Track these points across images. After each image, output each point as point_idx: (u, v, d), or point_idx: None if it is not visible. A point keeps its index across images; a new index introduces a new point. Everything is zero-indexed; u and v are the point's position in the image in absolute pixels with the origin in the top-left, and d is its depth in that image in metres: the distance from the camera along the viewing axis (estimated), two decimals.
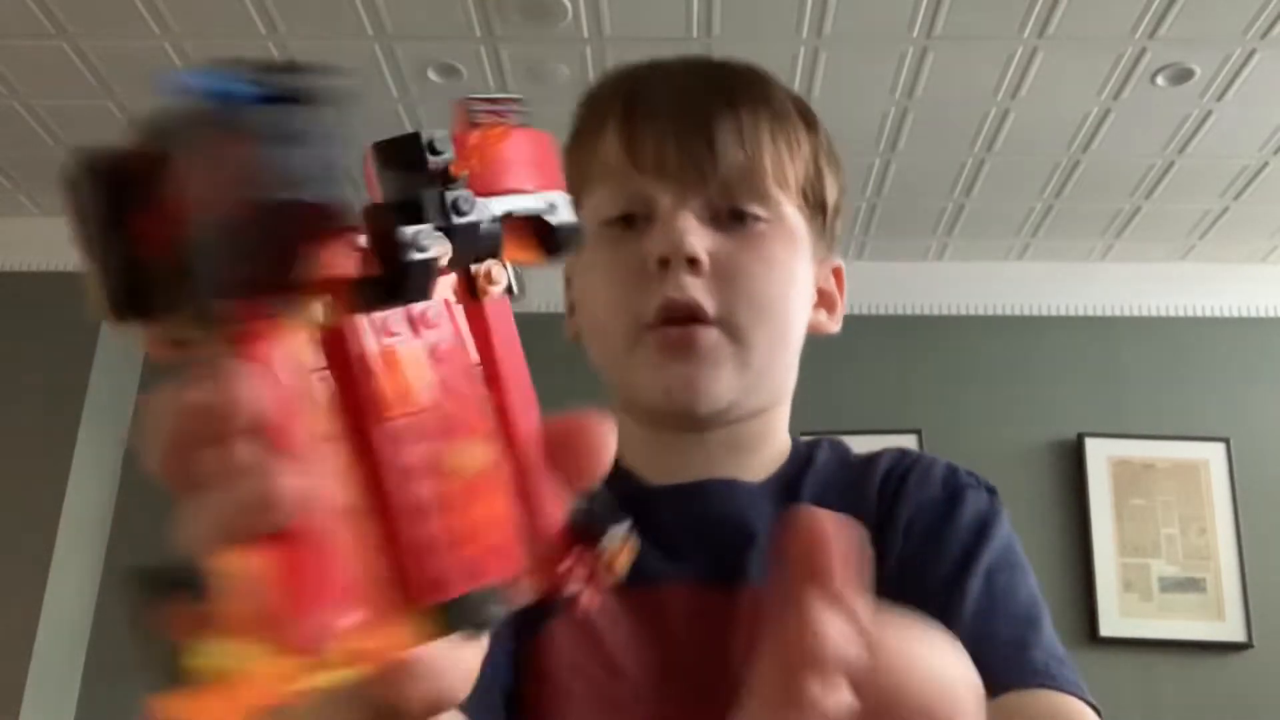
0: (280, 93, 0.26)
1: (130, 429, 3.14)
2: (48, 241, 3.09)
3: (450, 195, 0.29)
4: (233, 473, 0.26)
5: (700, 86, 0.71)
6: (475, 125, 0.30)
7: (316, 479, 0.27)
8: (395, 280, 0.28)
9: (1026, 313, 3.17)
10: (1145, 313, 3.15)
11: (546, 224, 0.31)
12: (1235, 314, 3.13)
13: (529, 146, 0.32)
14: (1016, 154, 2.71)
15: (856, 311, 3.17)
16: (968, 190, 2.87)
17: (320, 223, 0.26)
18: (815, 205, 0.72)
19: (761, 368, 0.68)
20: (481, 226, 0.30)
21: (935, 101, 2.52)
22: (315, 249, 0.26)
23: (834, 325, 0.77)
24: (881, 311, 3.18)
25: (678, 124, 0.68)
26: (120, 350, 3.11)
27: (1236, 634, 2.84)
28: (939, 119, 2.59)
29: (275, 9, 2.27)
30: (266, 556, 0.25)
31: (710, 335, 0.66)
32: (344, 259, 0.27)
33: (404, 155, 0.29)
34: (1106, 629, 2.85)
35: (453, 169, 0.29)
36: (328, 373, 0.28)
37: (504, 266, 0.31)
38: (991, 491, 0.72)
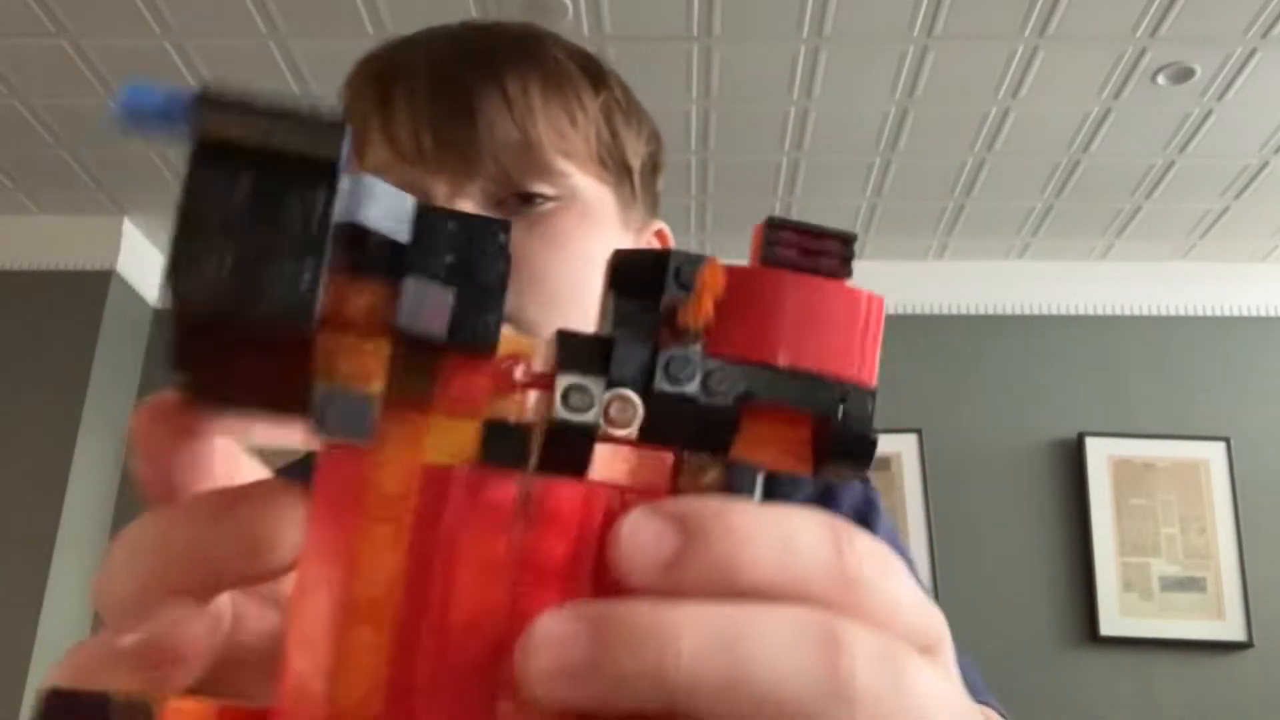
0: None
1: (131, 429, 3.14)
2: (48, 240, 3.09)
3: (667, 354, 0.21)
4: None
5: (457, 57, 0.63)
6: (769, 261, 0.21)
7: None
8: (548, 441, 0.20)
9: (1027, 312, 3.17)
10: (1146, 312, 3.15)
11: (824, 422, 0.21)
12: (1236, 313, 3.13)
13: (830, 307, 0.21)
14: (1017, 153, 2.70)
15: None
16: (968, 190, 2.87)
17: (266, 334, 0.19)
18: (618, 170, 0.65)
19: None
20: (699, 403, 0.21)
21: (935, 101, 2.52)
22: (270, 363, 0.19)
23: None
24: None
25: (435, 104, 0.60)
26: (120, 350, 3.11)
27: (1237, 633, 2.84)
28: (939, 118, 2.59)
29: (275, 8, 2.27)
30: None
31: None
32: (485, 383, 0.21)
33: (638, 277, 0.21)
34: (1106, 628, 2.85)
35: (685, 316, 0.21)
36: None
37: (728, 468, 0.21)
38: (864, 480, 0.67)
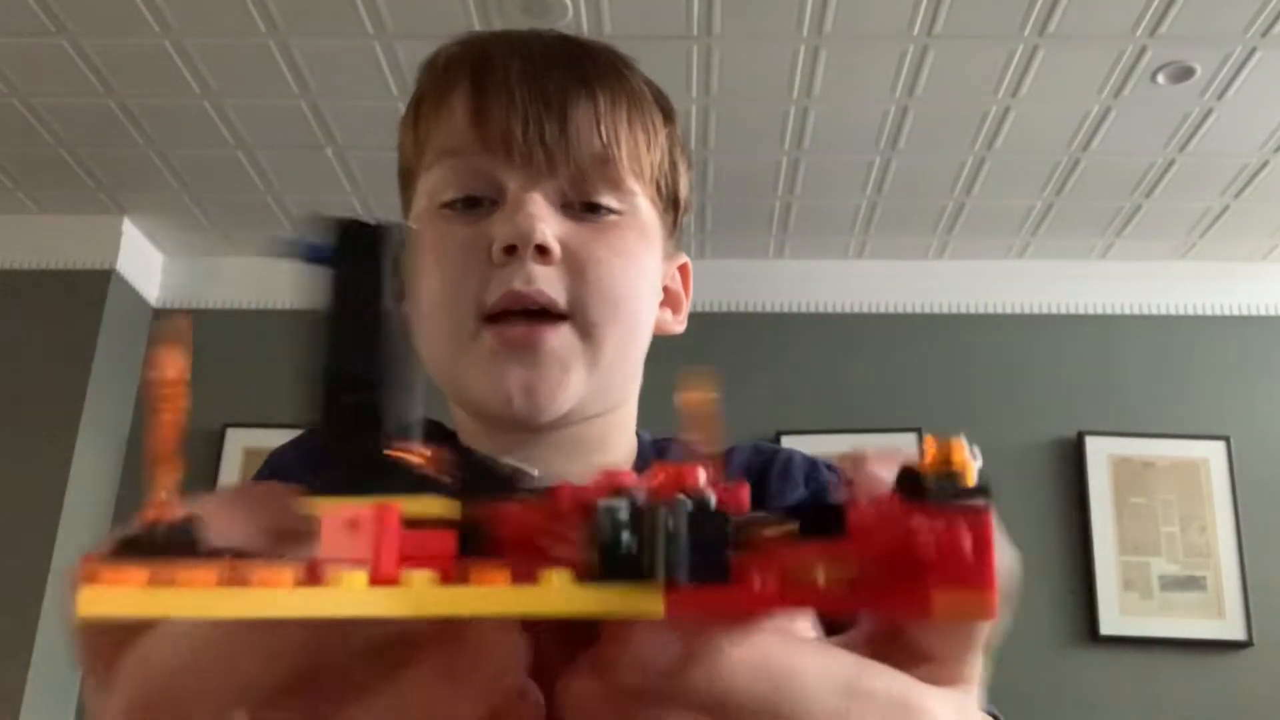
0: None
1: (130, 429, 3.14)
2: (48, 240, 3.09)
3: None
4: None
5: (557, 65, 0.65)
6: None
7: None
8: None
9: (1027, 311, 3.17)
10: (1145, 311, 3.15)
11: None
12: (1235, 312, 3.13)
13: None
14: (1017, 152, 2.70)
15: (857, 310, 3.17)
16: (968, 189, 2.87)
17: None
18: (668, 199, 0.69)
19: (609, 368, 0.63)
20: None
21: (935, 100, 2.52)
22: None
23: (678, 325, 0.73)
24: (882, 310, 3.18)
25: (531, 103, 0.62)
26: (120, 349, 3.11)
27: (1237, 632, 2.84)
28: (939, 117, 2.59)
29: (275, 7, 2.27)
30: None
31: (559, 334, 0.60)
32: None
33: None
34: (1107, 627, 2.85)
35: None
36: None
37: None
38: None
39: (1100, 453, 2.99)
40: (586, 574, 0.20)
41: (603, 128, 0.63)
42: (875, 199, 2.93)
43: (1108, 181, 2.81)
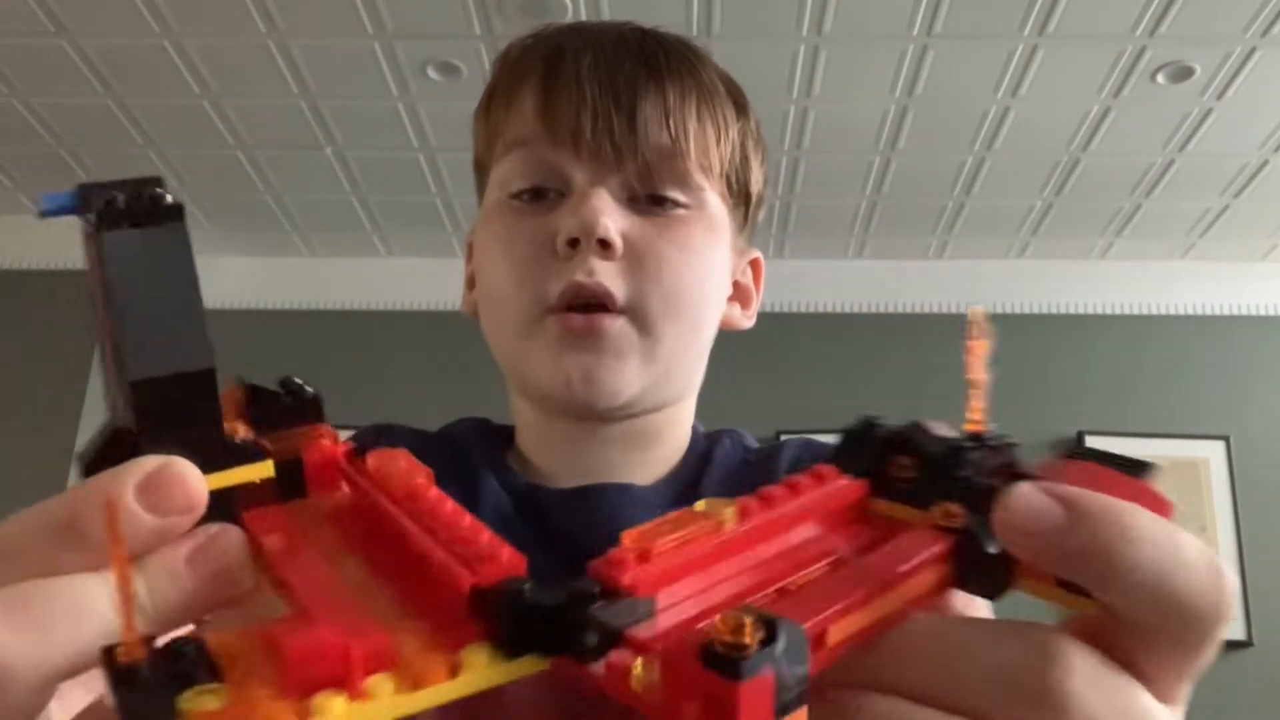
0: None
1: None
2: (48, 240, 3.09)
3: None
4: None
5: (627, 57, 0.65)
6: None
7: None
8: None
9: (1026, 311, 3.18)
10: (1145, 311, 3.15)
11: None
12: (1235, 312, 3.13)
13: None
14: (1016, 152, 2.71)
15: (856, 310, 3.17)
16: (968, 188, 2.87)
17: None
18: (739, 194, 0.68)
19: (669, 361, 0.64)
20: None
21: (935, 100, 2.52)
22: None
23: (747, 321, 0.73)
24: (881, 310, 3.18)
25: (599, 97, 0.63)
26: None
27: (1236, 633, 2.84)
28: (939, 117, 2.59)
29: (274, 6, 2.27)
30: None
31: (616, 324, 0.61)
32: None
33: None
34: None
35: None
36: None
37: None
38: None
39: None
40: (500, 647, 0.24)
41: (671, 122, 0.63)
42: (875, 199, 2.93)
43: (1108, 181, 2.81)
